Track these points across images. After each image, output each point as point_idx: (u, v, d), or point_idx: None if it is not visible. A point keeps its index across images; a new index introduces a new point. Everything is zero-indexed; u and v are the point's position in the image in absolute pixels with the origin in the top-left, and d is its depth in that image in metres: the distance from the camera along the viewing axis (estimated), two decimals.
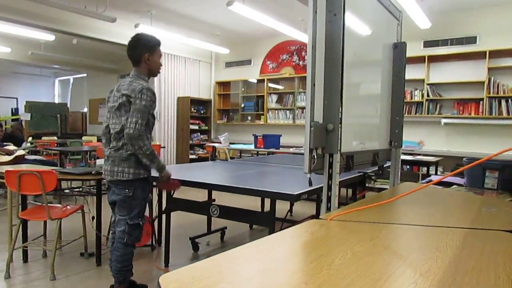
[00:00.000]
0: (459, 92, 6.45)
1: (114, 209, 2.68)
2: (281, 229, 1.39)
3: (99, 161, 3.87)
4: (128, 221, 2.54)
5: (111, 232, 2.81)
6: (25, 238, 3.33)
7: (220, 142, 7.50)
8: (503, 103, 6.00)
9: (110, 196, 2.64)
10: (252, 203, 4.32)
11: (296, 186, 2.53)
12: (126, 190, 2.52)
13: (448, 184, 2.72)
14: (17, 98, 13.34)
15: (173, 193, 3.01)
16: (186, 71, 9.14)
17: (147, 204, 2.77)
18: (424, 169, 5.99)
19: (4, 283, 2.95)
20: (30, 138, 8.76)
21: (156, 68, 2.74)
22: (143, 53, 2.62)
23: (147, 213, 3.84)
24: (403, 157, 4.30)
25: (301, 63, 8.32)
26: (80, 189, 6.13)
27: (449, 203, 2.12)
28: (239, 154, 8.26)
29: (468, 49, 6.30)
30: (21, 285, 2.95)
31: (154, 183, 2.89)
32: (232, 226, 4.34)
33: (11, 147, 5.70)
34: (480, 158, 1.36)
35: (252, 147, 7.08)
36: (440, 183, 2.68)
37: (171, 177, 2.72)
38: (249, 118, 9.08)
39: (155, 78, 8.28)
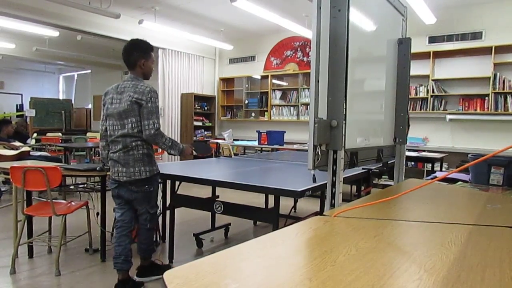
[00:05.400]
0: (464, 88, 6.41)
1: (122, 204, 2.84)
2: (285, 226, 1.39)
3: None
4: (150, 210, 2.84)
5: (115, 227, 2.88)
6: (30, 233, 3.35)
7: (224, 139, 7.50)
8: (509, 99, 5.97)
9: (124, 194, 2.78)
10: (256, 200, 4.33)
11: (300, 183, 2.53)
12: (146, 186, 2.75)
13: (453, 181, 2.71)
14: (22, 94, 13.40)
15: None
16: (190, 67, 9.14)
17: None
18: (429, 165, 5.96)
19: (10, 278, 2.97)
20: (35, 135, 8.80)
21: (149, 72, 2.89)
22: (139, 59, 2.78)
23: None
24: (407, 153, 4.29)
25: (305, 59, 8.30)
26: (85, 185, 6.15)
27: (454, 199, 2.11)
28: (243, 151, 8.27)
29: (473, 44, 6.26)
30: (26, 280, 2.97)
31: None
32: (236, 223, 4.35)
33: (17, 143, 5.74)
34: (485, 154, 1.35)
35: (256, 143, 7.08)
36: (445, 179, 2.67)
37: (191, 149, 2.98)
38: (253, 114, 9.07)
39: (159, 75, 8.31)
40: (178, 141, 2.98)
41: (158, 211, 3.07)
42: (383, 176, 3.38)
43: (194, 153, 3.03)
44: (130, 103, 2.62)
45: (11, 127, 6.11)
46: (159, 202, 3.72)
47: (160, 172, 2.92)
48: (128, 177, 2.68)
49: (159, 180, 2.97)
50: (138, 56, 2.77)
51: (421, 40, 6.67)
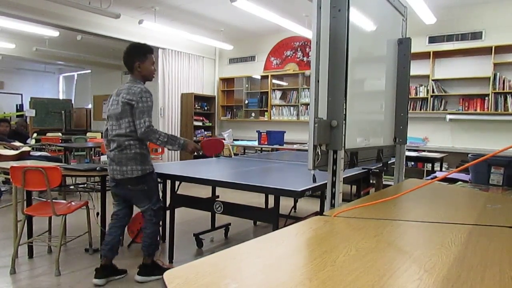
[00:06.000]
0: (464, 88, 6.41)
1: (120, 201, 3.00)
2: (285, 226, 1.39)
3: (104, 158, 3.89)
4: (152, 207, 2.90)
5: (111, 219, 3.02)
6: (30, 234, 3.35)
7: (224, 139, 7.51)
8: (509, 99, 5.96)
9: (122, 192, 2.93)
10: (256, 200, 4.33)
11: (300, 183, 2.53)
12: (141, 185, 2.82)
13: (453, 181, 2.71)
14: (21, 94, 13.39)
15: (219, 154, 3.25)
16: (190, 67, 9.14)
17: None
18: (429, 165, 5.96)
19: (10, 278, 2.97)
20: (35, 135, 8.80)
21: (149, 74, 2.94)
22: (135, 61, 2.86)
23: None
24: (407, 153, 4.29)
25: (305, 59, 8.30)
26: (85, 185, 6.15)
27: (454, 199, 2.11)
28: (243, 151, 8.27)
29: (473, 44, 6.26)
30: (26, 280, 2.97)
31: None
32: (236, 223, 4.35)
33: (17, 143, 5.74)
34: (485, 154, 1.35)
35: (256, 143, 7.08)
36: (445, 179, 2.67)
37: (195, 146, 2.97)
38: (253, 114, 9.07)
39: (159, 75, 8.30)
40: (178, 136, 2.96)
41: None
42: (384, 176, 3.38)
43: (200, 152, 3.04)
44: (122, 104, 2.73)
45: (5, 126, 6.07)
46: None
47: (159, 172, 2.99)
48: (122, 175, 2.78)
49: (157, 179, 3.01)
50: (134, 59, 2.86)
51: (421, 40, 6.67)
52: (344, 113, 1.73)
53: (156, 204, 2.93)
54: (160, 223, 3.07)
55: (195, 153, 3.04)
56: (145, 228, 2.96)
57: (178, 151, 8.91)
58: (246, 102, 9.17)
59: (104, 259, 2.91)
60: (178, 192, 3.24)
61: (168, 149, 2.88)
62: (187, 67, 9.06)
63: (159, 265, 3.06)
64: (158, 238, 3.79)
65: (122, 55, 2.90)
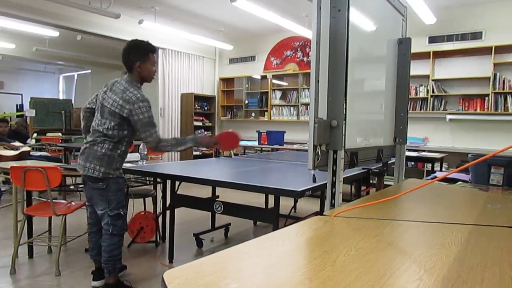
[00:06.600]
0: (464, 88, 6.41)
1: (90, 203, 2.79)
2: (285, 226, 1.39)
3: None
4: (109, 213, 2.63)
5: (87, 222, 2.96)
6: (30, 234, 3.35)
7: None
8: (509, 99, 5.96)
9: (86, 190, 2.77)
10: (256, 200, 4.33)
11: (300, 183, 2.53)
12: (100, 183, 2.61)
13: (453, 181, 2.71)
14: (22, 94, 13.39)
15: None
16: (190, 67, 9.13)
17: (125, 195, 2.87)
18: (429, 165, 5.96)
19: (10, 278, 2.97)
20: (35, 135, 8.79)
21: (149, 75, 2.74)
22: (135, 62, 2.66)
23: (151, 209, 3.88)
24: (407, 153, 4.29)
25: (305, 59, 8.30)
26: None
27: (454, 199, 2.11)
28: (243, 151, 8.26)
29: (473, 44, 6.25)
30: (27, 280, 2.97)
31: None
32: (236, 223, 4.35)
33: (17, 143, 5.74)
34: (485, 154, 1.35)
35: (256, 143, 7.08)
36: (445, 179, 2.67)
37: (209, 139, 2.89)
38: (253, 114, 9.07)
39: (159, 75, 8.30)
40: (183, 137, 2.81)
41: (124, 214, 2.78)
42: (385, 177, 3.39)
43: (217, 146, 2.89)
44: (113, 108, 2.55)
45: (4, 126, 6.05)
46: (159, 202, 3.76)
47: (159, 172, 2.92)
48: (83, 171, 2.61)
49: (121, 181, 2.73)
50: (134, 58, 2.65)
51: (421, 40, 6.67)
52: (344, 113, 1.73)
53: (114, 210, 2.64)
54: (121, 237, 2.77)
55: (212, 148, 2.90)
56: (103, 241, 2.68)
57: (178, 152, 8.92)
58: (246, 102, 9.16)
59: (97, 263, 2.86)
60: (178, 192, 3.24)
61: (181, 151, 2.77)
62: (187, 67, 9.06)
63: (127, 286, 2.84)
64: (158, 239, 3.79)
65: (121, 54, 2.72)
